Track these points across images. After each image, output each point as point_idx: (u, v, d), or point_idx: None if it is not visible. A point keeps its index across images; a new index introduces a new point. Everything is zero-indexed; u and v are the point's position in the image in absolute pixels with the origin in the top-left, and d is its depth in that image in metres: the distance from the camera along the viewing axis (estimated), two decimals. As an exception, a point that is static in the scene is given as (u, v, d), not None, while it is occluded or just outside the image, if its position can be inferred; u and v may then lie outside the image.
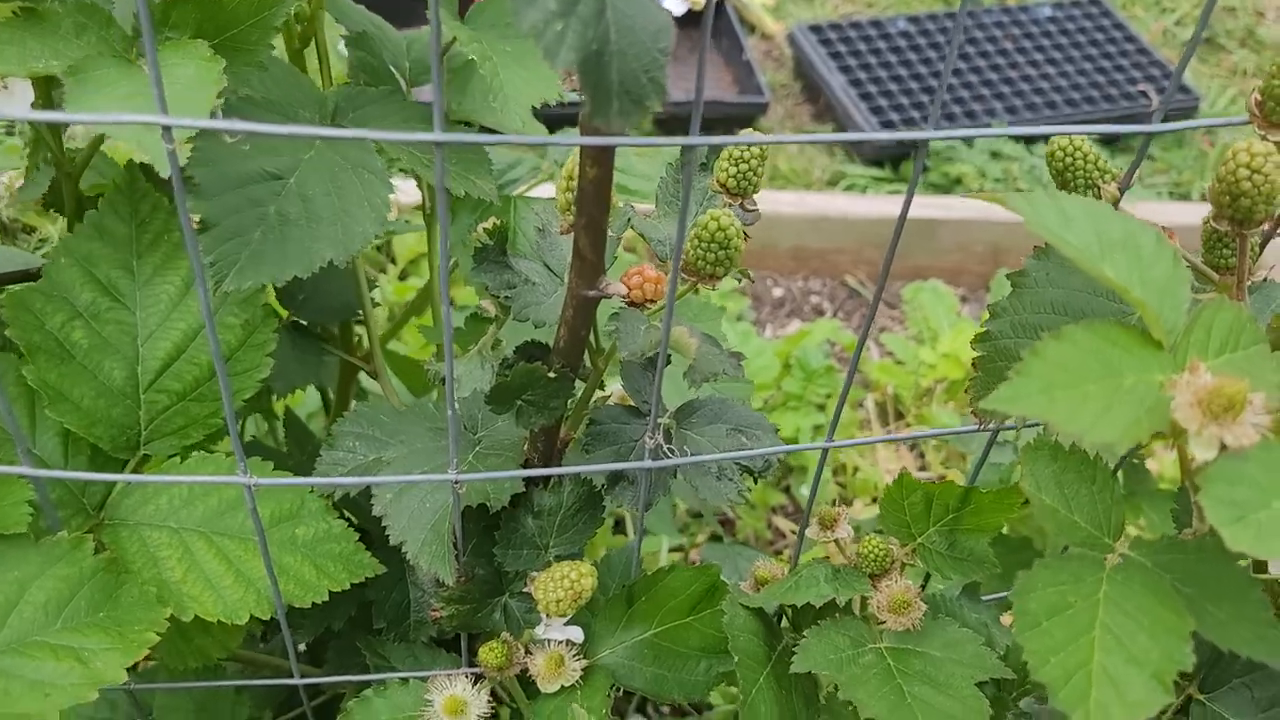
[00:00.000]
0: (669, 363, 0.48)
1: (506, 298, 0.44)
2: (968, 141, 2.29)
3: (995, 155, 2.24)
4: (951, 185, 2.17)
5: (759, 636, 0.51)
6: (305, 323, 0.67)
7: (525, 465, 0.49)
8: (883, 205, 1.93)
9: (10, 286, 0.53)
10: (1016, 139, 2.28)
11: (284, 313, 0.68)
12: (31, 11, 0.46)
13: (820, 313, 1.81)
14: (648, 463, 0.45)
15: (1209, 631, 0.34)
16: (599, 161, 0.37)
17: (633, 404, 0.48)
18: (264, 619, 0.51)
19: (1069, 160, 0.44)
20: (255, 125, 0.31)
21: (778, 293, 1.88)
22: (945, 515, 0.53)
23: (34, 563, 0.46)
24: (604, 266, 0.40)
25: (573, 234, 0.40)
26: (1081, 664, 0.33)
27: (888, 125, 2.18)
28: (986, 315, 0.43)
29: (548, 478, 0.50)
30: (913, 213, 1.93)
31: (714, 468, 0.47)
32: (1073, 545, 0.37)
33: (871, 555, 0.52)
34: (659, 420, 0.46)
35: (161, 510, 0.52)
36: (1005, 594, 0.63)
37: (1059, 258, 0.41)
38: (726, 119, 2.17)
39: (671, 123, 2.13)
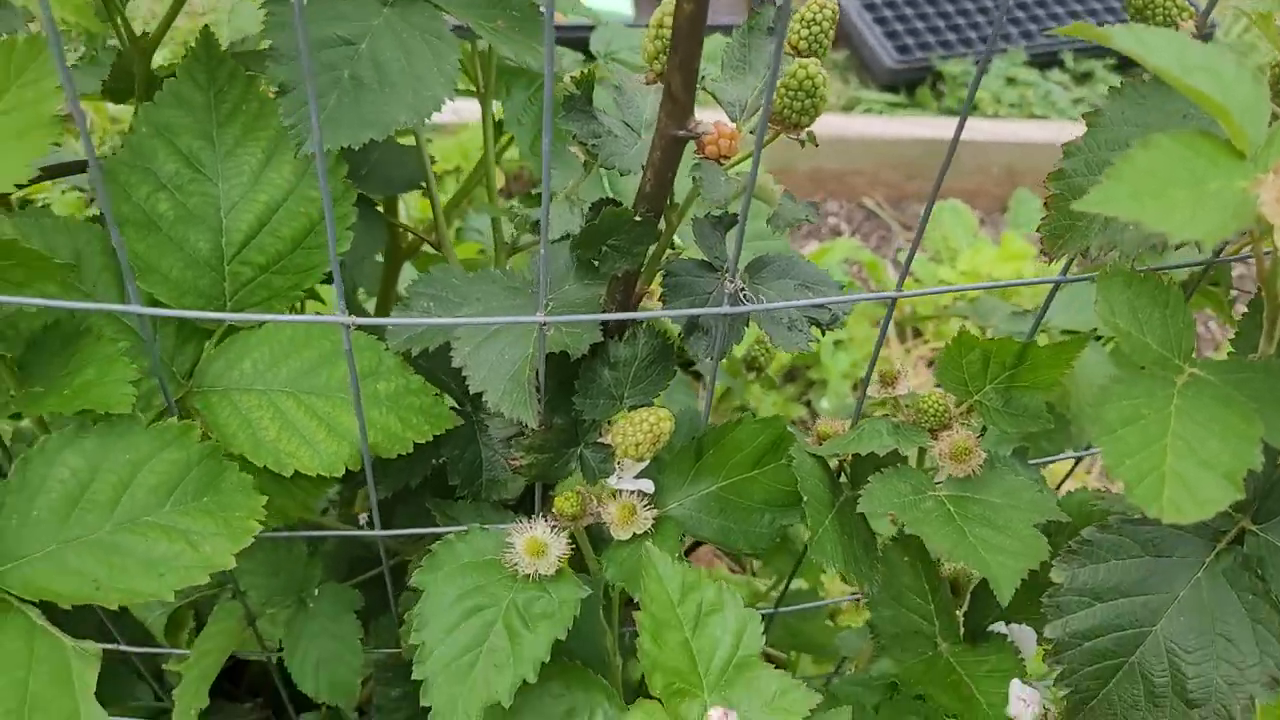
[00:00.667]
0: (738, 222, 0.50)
1: (593, 145, 0.45)
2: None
3: (1010, 81, 2.24)
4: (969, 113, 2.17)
5: (824, 483, 0.53)
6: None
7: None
8: (899, 127, 1.94)
9: (123, 145, 0.54)
10: (1031, 65, 2.27)
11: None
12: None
13: (838, 234, 1.82)
14: (725, 308, 0.47)
15: (1275, 439, 0.36)
16: (694, -3, 0.38)
17: (705, 259, 0.50)
18: (355, 470, 0.53)
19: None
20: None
21: (795, 215, 1.88)
22: (1002, 372, 0.55)
23: (144, 446, 0.48)
24: (693, 108, 0.42)
25: (662, 79, 0.42)
26: (1154, 467, 0.35)
27: (902, 50, 2.18)
28: (1062, 154, 0.44)
29: (622, 332, 0.52)
30: (930, 134, 1.94)
31: (785, 318, 0.49)
32: (1146, 366, 0.39)
33: (931, 410, 0.54)
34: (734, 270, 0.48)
35: (248, 374, 0.53)
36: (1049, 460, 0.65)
37: (1134, 95, 0.42)
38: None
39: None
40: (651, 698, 0.48)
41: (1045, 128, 2.01)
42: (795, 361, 1.49)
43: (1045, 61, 2.29)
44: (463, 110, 1.63)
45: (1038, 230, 0.45)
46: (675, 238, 0.52)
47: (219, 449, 0.49)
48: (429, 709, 0.61)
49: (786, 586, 0.75)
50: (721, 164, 0.47)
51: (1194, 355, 0.40)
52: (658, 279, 0.51)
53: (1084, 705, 0.46)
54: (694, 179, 0.44)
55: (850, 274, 1.60)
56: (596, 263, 0.46)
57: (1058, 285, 0.51)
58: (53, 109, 0.48)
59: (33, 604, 0.43)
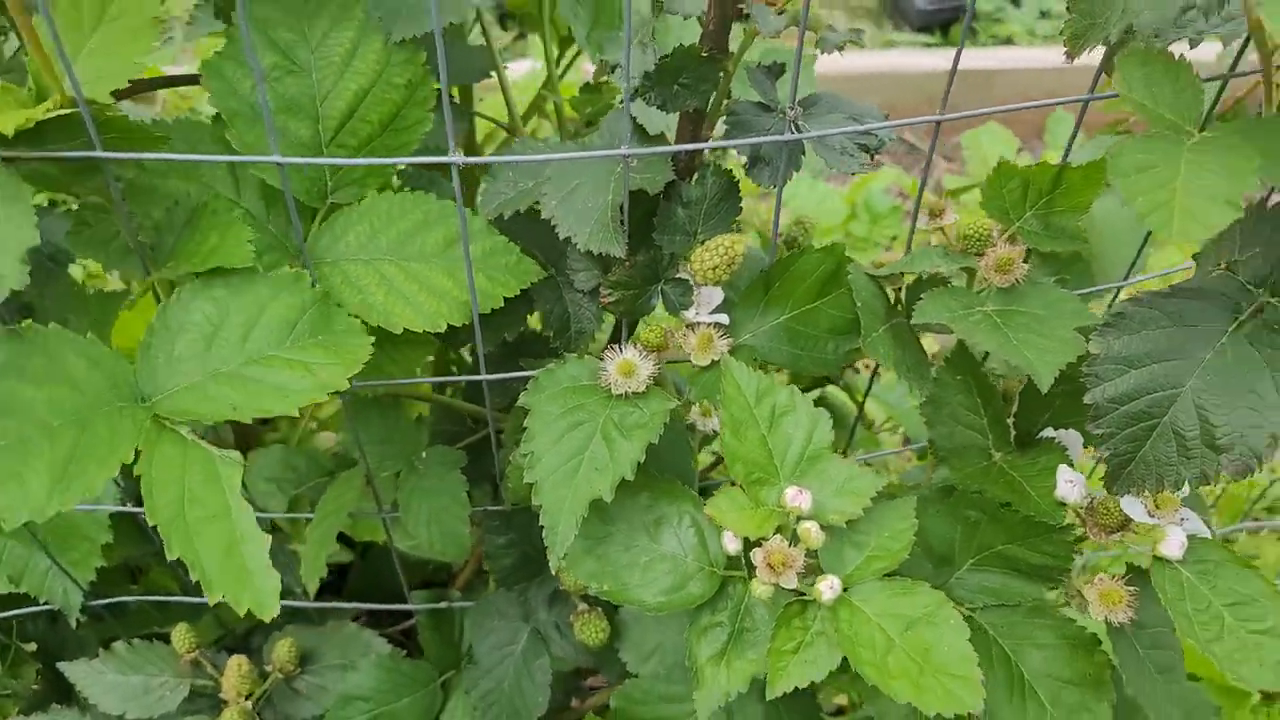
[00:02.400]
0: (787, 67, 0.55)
1: (658, -9, 0.51)
2: (1015, 1, 2.31)
3: (1044, 14, 2.26)
4: (1001, 45, 2.20)
5: (880, 299, 0.59)
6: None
7: (674, 160, 0.57)
8: (934, 60, 1.98)
9: (207, 58, 0.61)
10: (1064, -4, 2.29)
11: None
12: None
13: (880, 165, 1.86)
14: (787, 135, 0.53)
15: (1272, 176, 0.41)
16: None
17: (762, 101, 0.56)
18: (456, 325, 0.60)
19: None
20: None
21: (837, 154, 1.93)
22: (1040, 199, 0.60)
23: (265, 292, 0.54)
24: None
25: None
26: (1166, 201, 0.41)
27: (935, -11, 2.21)
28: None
29: (691, 174, 0.58)
30: (967, 64, 1.97)
31: (837, 145, 0.55)
32: (1159, 131, 0.44)
33: (976, 233, 0.60)
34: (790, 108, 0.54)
35: (353, 246, 0.60)
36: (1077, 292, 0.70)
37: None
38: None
39: None
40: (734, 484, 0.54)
41: (1080, 54, 2.04)
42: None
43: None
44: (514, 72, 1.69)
45: (1060, 35, 0.50)
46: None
47: (330, 295, 0.56)
48: (537, 544, 0.68)
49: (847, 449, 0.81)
50: (771, 6, 0.52)
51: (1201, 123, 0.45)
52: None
53: (1123, 469, 0.51)
54: (748, 16, 0.50)
55: (894, 197, 1.65)
56: (666, 102, 0.52)
57: (1086, 103, 0.57)
58: (155, 11, 0.54)
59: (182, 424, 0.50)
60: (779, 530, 0.52)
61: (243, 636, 0.87)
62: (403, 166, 0.65)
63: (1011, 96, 1.93)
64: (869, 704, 0.57)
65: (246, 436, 0.91)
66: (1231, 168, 0.40)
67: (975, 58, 1.95)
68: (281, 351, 0.53)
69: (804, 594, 0.53)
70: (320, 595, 0.84)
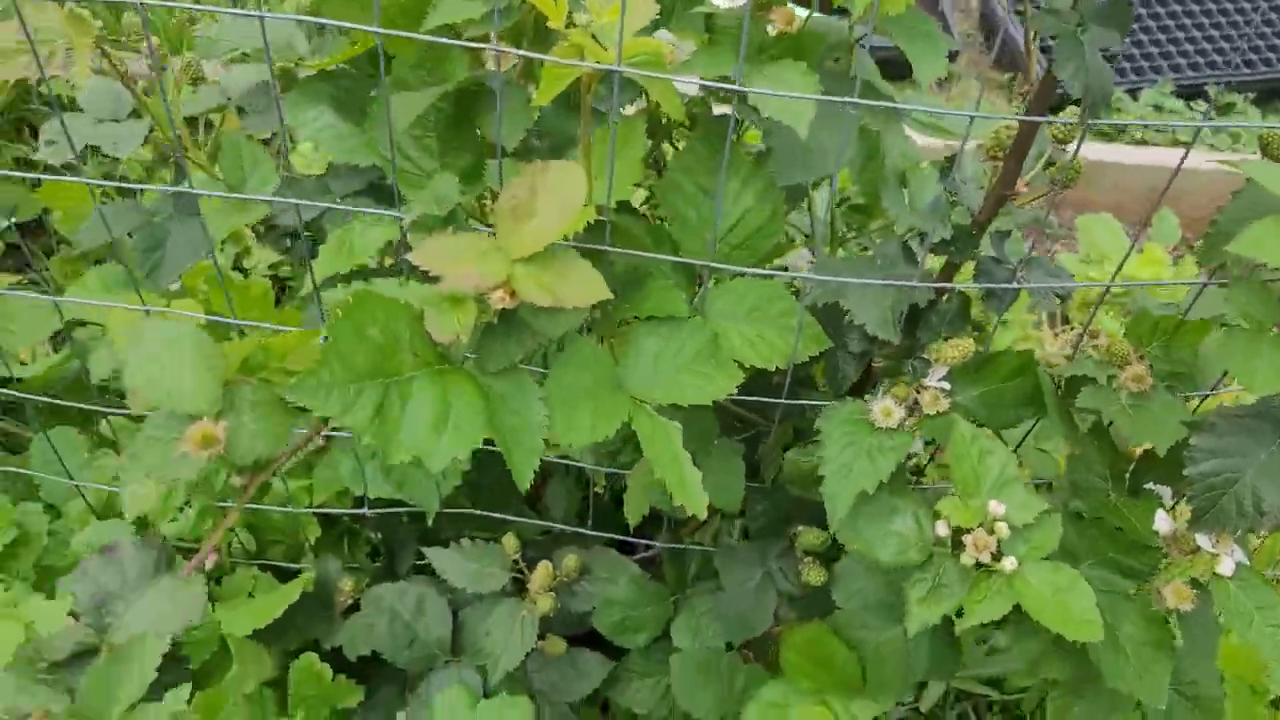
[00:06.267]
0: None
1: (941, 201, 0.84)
2: (1133, 94, 2.59)
3: (1158, 109, 2.55)
4: (1115, 134, 2.49)
5: (1052, 389, 0.91)
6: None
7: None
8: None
9: (668, 177, 0.94)
10: (1177, 95, 2.57)
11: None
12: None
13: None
14: (1014, 285, 0.86)
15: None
16: None
17: (997, 257, 0.89)
18: (781, 366, 0.93)
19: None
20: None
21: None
22: (1164, 336, 0.92)
23: (685, 332, 0.87)
24: (1015, 184, 0.80)
25: (999, 161, 0.80)
26: (1249, 368, 0.73)
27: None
28: (1218, 211, 0.81)
29: (943, 294, 0.90)
30: (1086, 155, 2.27)
31: (1042, 292, 0.87)
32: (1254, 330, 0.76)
33: (1118, 354, 0.92)
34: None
35: (724, 310, 0.93)
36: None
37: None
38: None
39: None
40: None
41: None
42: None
43: (1191, 93, 2.60)
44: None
45: (1194, 253, 0.82)
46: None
47: (718, 335, 0.89)
48: (787, 511, 1.01)
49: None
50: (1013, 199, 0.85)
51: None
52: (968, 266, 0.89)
53: (1200, 516, 0.83)
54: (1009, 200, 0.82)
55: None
56: (949, 256, 0.85)
57: (1204, 286, 0.89)
58: (640, 154, 0.87)
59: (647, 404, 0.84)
60: (980, 525, 0.85)
61: (542, 550, 1.22)
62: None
63: (1116, 186, 2.23)
64: (1018, 644, 0.90)
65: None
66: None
67: (1092, 150, 2.25)
68: (695, 367, 0.86)
69: (989, 567, 0.85)
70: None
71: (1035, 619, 0.81)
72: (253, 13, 0.90)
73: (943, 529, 0.88)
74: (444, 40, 0.77)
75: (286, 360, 0.66)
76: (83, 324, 1.48)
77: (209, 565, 0.66)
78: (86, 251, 1.56)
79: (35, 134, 1.89)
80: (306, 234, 1.26)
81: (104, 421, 1.37)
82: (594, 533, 1.20)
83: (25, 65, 0.97)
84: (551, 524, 1.25)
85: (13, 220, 1.54)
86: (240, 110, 1.25)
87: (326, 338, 0.66)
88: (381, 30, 0.76)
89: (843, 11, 0.89)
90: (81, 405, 1.27)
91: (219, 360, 0.64)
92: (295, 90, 1.07)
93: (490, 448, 0.76)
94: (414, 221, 0.81)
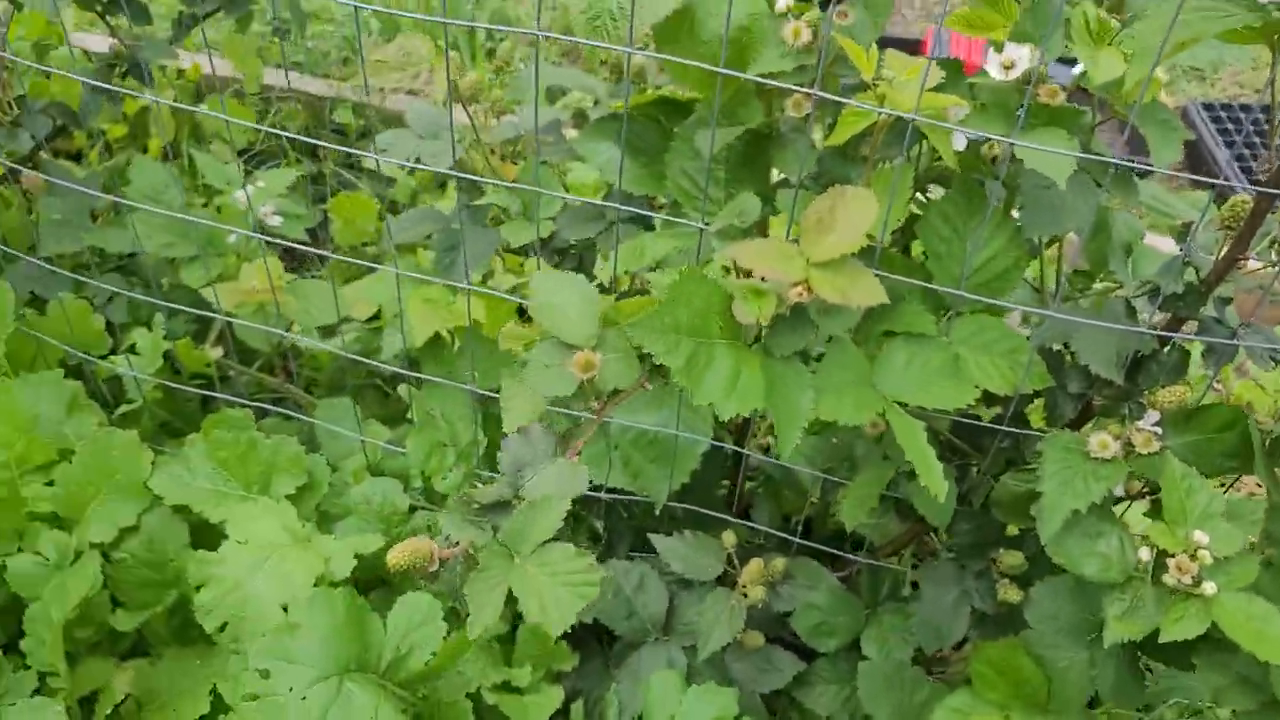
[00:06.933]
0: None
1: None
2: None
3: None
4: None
5: (1261, 444, 1.01)
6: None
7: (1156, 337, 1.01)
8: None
9: (930, 209, 1.08)
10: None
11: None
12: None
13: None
14: (1235, 342, 0.96)
15: None
16: None
17: (1217, 317, 1.00)
18: (1004, 394, 1.05)
19: None
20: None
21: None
22: (1369, 407, 1.01)
23: (930, 348, 1.00)
24: (1246, 248, 0.92)
25: (1232, 245, 0.92)
26: None
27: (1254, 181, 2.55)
28: None
29: (1164, 346, 1.01)
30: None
31: (1257, 352, 0.98)
32: None
33: (1325, 419, 1.01)
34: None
35: (963, 338, 1.06)
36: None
37: None
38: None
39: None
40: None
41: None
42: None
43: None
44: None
45: None
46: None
47: (959, 357, 1.02)
48: (990, 534, 1.12)
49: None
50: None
51: None
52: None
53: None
54: (1241, 264, 0.94)
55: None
56: (1175, 313, 0.97)
57: None
58: (907, 196, 1.02)
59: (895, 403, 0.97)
60: (1183, 552, 0.95)
61: (752, 552, 1.35)
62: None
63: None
64: (1203, 675, 0.98)
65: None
66: None
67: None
68: (937, 380, 0.99)
69: (1187, 590, 0.95)
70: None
71: (1230, 637, 0.90)
72: (593, 42, 1.09)
73: (1145, 553, 0.98)
74: (769, 81, 0.94)
75: (629, 318, 0.82)
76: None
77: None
78: (356, 256, 1.81)
79: (318, 156, 2.17)
80: (572, 249, 1.46)
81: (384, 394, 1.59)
82: (801, 541, 1.33)
83: (400, 79, 1.19)
84: (755, 526, 1.39)
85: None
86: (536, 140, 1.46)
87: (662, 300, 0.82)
88: (722, 69, 0.93)
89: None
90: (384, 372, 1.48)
91: (595, 305, 0.81)
92: (588, 127, 1.26)
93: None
94: (718, 230, 0.97)
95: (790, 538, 1.33)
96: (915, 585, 1.30)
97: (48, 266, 1.48)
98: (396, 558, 0.72)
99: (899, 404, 0.96)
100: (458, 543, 0.74)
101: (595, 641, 1.40)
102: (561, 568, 0.75)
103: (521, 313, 1.68)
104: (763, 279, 0.89)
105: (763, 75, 0.97)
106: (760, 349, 0.91)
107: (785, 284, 0.87)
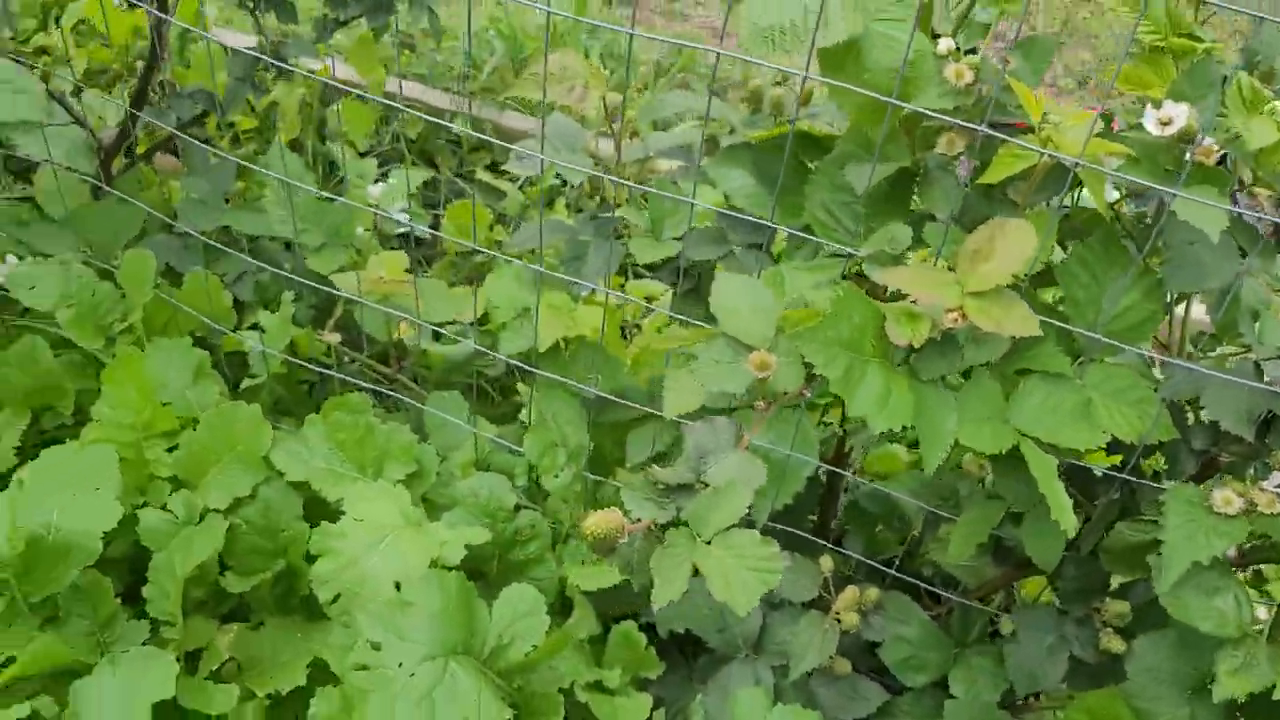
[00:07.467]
0: None
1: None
2: None
3: None
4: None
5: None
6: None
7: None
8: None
9: (1070, 254, 1.11)
10: None
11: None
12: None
13: None
14: (1371, 409, 0.98)
15: None
16: None
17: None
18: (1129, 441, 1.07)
19: None
20: None
21: None
22: None
23: (1064, 388, 1.02)
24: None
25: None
26: None
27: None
28: None
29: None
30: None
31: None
32: None
33: None
34: None
35: (1095, 383, 1.08)
36: None
37: None
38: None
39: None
40: None
41: None
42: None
43: None
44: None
45: None
46: None
47: (1089, 403, 1.04)
48: (1095, 581, 1.13)
49: None
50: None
51: None
52: None
53: None
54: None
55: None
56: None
57: None
58: (1050, 240, 1.05)
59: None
60: (1305, 610, 0.96)
61: (844, 581, 1.37)
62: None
63: None
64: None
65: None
66: None
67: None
68: (1069, 421, 1.01)
69: (1305, 651, 0.96)
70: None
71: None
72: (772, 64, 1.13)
73: (1263, 612, 0.99)
74: (940, 116, 0.97)
75: (794, 328, 0.86)
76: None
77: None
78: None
79: (435, 165, 2.24)
80: (690, 268, 1.50)
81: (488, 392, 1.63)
82: (897, 574, 1.35)
83: (560, 92, 1.25)
84: (849, 554, 1.40)
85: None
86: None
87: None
88: (892, 100, 0.97)
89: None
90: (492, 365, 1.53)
91: (772, 310, 0.85)
92: (721, 153, 1.31)
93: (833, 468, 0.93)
94: (869, 255, 1.01)
95: (885, 569, 1.35)
96: (996, 633, 1.31)
97: (192, 237, 1.55)
98: (594, 525, 0.75)
99: (1037, 440, 0.99)
100: (638, 520, 0.77)
101: (678, 653, 1.42)
102: (748, 552, 0.78)
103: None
104: (915, 303, 0.93)
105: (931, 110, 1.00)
106: (906, 370, 0.94)
107: (940, 309, 0.90)
